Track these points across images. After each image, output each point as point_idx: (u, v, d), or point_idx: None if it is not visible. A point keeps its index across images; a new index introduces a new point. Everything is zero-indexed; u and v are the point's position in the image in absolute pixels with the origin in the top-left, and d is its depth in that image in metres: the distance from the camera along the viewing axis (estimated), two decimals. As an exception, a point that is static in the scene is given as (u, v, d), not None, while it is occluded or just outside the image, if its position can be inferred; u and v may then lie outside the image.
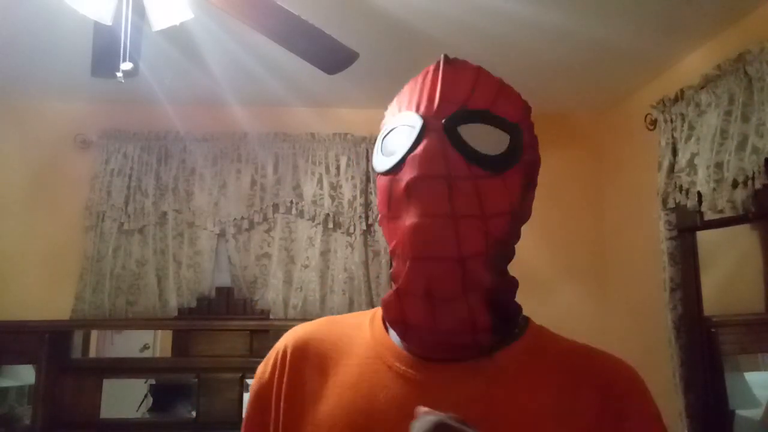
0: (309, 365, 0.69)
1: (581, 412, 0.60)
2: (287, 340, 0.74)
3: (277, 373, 0.71)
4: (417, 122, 0.64)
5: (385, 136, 0.68)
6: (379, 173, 0.68)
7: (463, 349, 0.62)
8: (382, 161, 0.67)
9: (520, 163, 0.64)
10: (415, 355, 0.64)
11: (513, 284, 0.67)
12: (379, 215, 0.67)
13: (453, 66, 0.67)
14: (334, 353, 0.69)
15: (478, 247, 0.60)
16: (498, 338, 0.63)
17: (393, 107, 0.71)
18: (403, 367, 0.63)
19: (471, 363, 0.61)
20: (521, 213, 0.67)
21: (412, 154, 0.62)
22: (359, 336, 0.70)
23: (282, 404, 0.68)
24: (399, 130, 0.66)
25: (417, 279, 0.60)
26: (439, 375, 0.62)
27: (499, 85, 0.68)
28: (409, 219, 0.61)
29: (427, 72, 0.68)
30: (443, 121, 0.62)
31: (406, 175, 0.62)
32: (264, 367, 0.74)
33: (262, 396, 0.71)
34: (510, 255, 0.68)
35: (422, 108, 0.65)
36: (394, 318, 0.63)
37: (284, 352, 0.72)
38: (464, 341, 0.61)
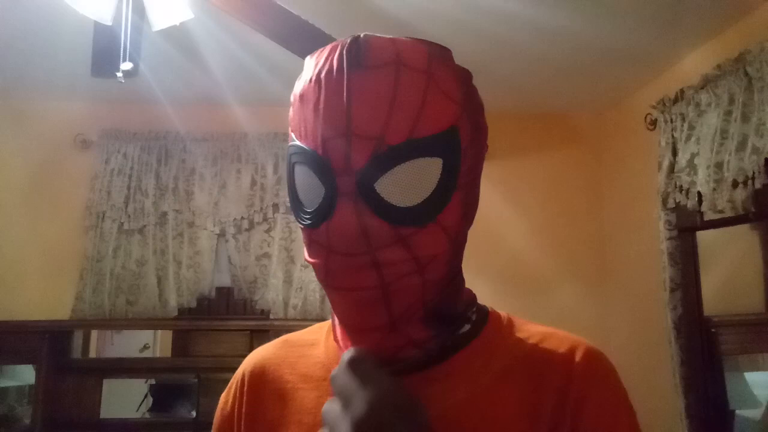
0: (267, 392, 0.66)
1: (544, 403, 0.57)
2: (245, 367, 0.70)
3: (237, 403, 0.68)
4: (325, 178, 0.53)
5: (293, 165, 0.59)
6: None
7: (411, 364, 0.58)
8: (295, 208, 0.58)
9: (458, 188, 0.55)
10: None
11: (458, 289, 0.63)
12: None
13: (363, 69, 0.53)
14: (291, 377, 0.66)
15: (412, 300, 0.55)
16: (449, 342, 0.60)
17: (296, 115, 0.59)
18: None
19: (425, 372, 0.59)
20: (465, 228, 0.59)
21: (326, 222, 0.53)
22: (314, 355, 0.67)
23: None
24: (306, 174, 0.56)
25: (347, 338, 0.59)
26: None
27: (426, 78, 0.54)
28: (333, 295, 0.57)
29: (331, 71, 0.54)
30: (356, 179, 0.52)
31: (323, 249, 0.54)
32: (225, 398, 0.71)
33: (224, 429, 0.69)
34: (456, 269, 0.61)
35: (329, 149, 0.53)
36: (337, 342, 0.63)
37: (242, 380, 0.69)
38: (408, 358, 0.58)
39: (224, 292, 2.90)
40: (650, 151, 2.40)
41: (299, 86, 0.59)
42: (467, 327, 0.62)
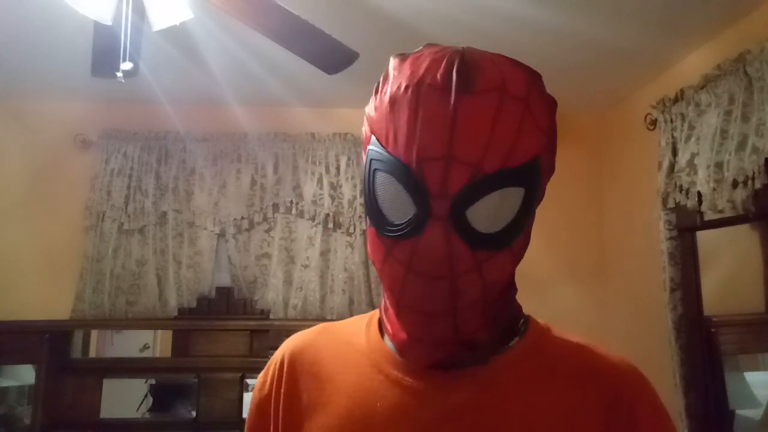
0: (306, 375, 0.68)
1: (586, 415, 0.58)
2: (284, 349, 0.73)
3: (275, 383, 0.70)
4: (419, 198, 0.53)
5: (375, 171, 0.57)
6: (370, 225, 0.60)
7: (457, 363, 0.61)
8: (376, 218, 0.58)
9: (531, 214, 0.58)
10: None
11: (511, 302, 0.66)
12: (369, 255, 0.62)
13: (471, 93, 0.53)
14: (330, 362, 0.68)
15: (476, 316, 0.58)
16: (493, 346, 0.62)
17: (384, 119, 0.57)
18: (399, 375, 0.62)
19: (468, 369, 0.61)
20: (526, 248, 0.61)
21: (413, 239, 0.54)
22: (355, 343, 0.69)
23: (280, 415, 0.68)
24: (394, 187, 0.55)
25: (411, 340, 0.60)
26: (435, 382, 0.61)
27: (524, 107, 0.56)
28: (404, 313, 0.58)
29: (435, 88, 0.53)
30: (450, 203, 0.52)
31: (401, 267, 0.55)
32: (264, 378, 0.73)
33: (262, 407, 0.71)
34: (510, 286, 0.64)
35: (426, 170, 0.52)
36: (389, 336, 0.63)
37: (281, 362, 0.71)
38: (457, 359, 0.60)
39: (224, 292, 2.90)
40: (650, 151, 2.40)
41: (389, 89, 0.58)
42: (516, 340, 0.65)
